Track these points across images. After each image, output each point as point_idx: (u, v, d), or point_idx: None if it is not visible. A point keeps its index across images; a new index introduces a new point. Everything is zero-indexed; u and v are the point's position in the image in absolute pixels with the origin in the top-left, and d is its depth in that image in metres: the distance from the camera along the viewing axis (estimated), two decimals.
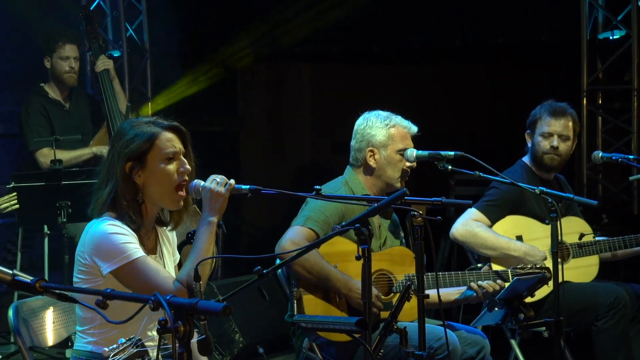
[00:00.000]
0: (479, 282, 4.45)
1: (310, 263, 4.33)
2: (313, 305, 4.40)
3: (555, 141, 5.25)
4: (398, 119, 4.67)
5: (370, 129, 4.63)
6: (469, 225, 5.10)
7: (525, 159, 5.39)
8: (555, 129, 5.26)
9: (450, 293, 4.58)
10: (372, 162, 4.64)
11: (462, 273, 4.55)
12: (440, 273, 4.55)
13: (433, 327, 4.29)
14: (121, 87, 7.05)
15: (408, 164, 4.63)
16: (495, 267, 4.91)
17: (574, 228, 5.22)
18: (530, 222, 5.19)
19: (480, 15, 8.33)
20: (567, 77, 8.11)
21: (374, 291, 4.33)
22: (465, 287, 4.54)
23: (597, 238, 5.22)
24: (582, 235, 5.19)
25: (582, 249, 5.18)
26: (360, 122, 4.70)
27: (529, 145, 5.34)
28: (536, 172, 5.33)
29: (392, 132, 4.62)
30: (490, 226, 5.13)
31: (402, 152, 4.61)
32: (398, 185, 4.63)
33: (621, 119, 7.65)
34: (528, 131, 5.36)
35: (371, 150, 4.63)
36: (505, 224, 5.17)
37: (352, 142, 4.72)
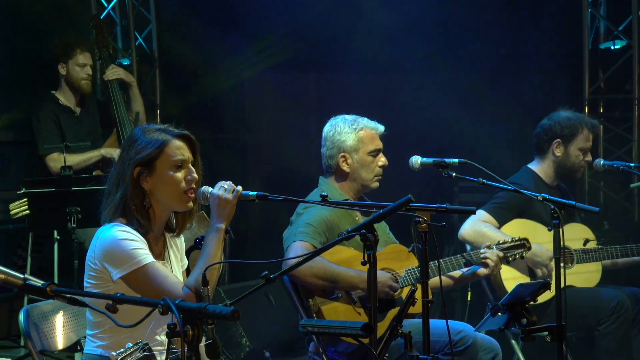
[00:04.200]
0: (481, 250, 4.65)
1: (318, 268, 4.39)
2: (333, 314, 4.44)
3: (589, 156, 5.34)
4: (365, 121, 4.74)
5: (340, 134, 4.70)
6: (477, 225, 5.15)
7: (532, 166, 5.42)
8: (590, 144, 5.36)
9: (452, 273, 4.72)
10: (345, 167, 4.71)
11: (452, 258, 4.66)
12: (433, 262, 4.59)
13: (451, 322, 4.38)
14: (139, 91, 7.12)
15: (380, 163, 4.71)
16: (503, 267, 5.03)
17: (578, 234, 5.27)
18: (536, 226, 5.23)
19: (483, 26, 8.39)
20: (569, 86, 8.16)
21: (387, 275, 4.45)
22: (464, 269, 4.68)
23: (600, 246, 5.28)
24: (587, 241, 5.24)
25: (587, 255, 5.22)
26: (328, 129, 4.77)
27: (556, 154, 5.37)
28: (544, 179, 5.38)
29: (361, 135, 4.70)
30: (498, 228, 5.18)
31: (373, 153, 4.70)
32: (373, 185, 4.73)
33: (622, 127, 7.71)
34: (558, 140, 5.37)
35: (343, 156, 4.70)
36: (512, 227, 5.21)
37: (323, 150, 4.78)
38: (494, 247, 4.72)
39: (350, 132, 4.69)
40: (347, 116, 4.77)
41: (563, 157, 5.36)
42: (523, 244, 4.79)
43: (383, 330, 4.20)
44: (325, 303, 4.46)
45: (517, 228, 5.20)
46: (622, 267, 5.46)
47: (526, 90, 8.43)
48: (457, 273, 4.73)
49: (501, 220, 5.21)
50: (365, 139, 4.69)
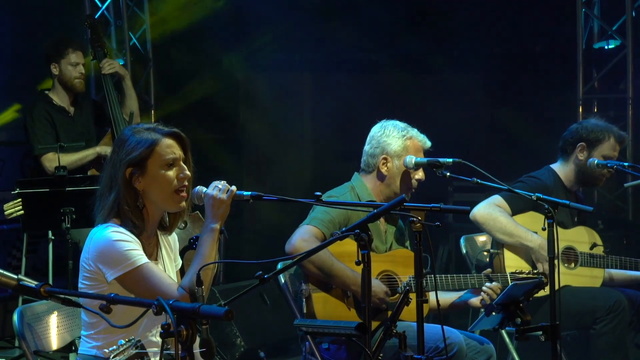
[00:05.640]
0: (483, 287, 4.56)
1: (320, 259, 4.40)
2: (322, 303, 4.46)
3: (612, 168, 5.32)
4: (414, 132, 4.75)
5: (387, 137, 4.71)
6: (492, 208, 5.12)
7: (555, 167, 5.39)
8: (616, 155, 5.34)
9: (448, 298, 4.67)
10: (384, 170, 4.72)
11: (460, 276, 4.63)
12: (439, 275, 4.62)
13: (437, 327, 4.34)
14: (132, 84, 7.10)
15: (417, 176, 4.72)
16: (508, 254, 5.02)
17: (587, 238, 5.27)
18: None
19: (477, 26, 8.41)
20: (563, 86, 8.17)
21: (383, 288, 4.44)
22: (464, 291, 4.63)
23: (605, 254, 5.27)
24: (594, 246, 5.24)
25: (592, 259, 5.21)
26: (377, 129, 4.77)
27: (579, 158, 5.34)
28: (564, 181, 5.36)
29: (407, 144, 4.70)
30: (511, 216, 5.16)
31: None
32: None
33: (616, 127, 7.71)
34: (582, 144, 5.34)
35: (385, 158, 4.71)
36: (525, 218, 5.17)
37: (367, 147, 4.79)
38: (508, 274, 4.68)
39: (399, 138, 4.70)
40: (398, 122, 4.77)
41: (585, 162, 5.33)
42: (540, 280, 4.66)
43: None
44: (317, 290, 4.47)
45: (529, 220, 5.16)
46: (618, 285, 5.43)
47: (521, 90, 8.46)
48: (452, 298, 4.70)
49: (515, 209, 5.16)
50: (411, 149, 4.70)
